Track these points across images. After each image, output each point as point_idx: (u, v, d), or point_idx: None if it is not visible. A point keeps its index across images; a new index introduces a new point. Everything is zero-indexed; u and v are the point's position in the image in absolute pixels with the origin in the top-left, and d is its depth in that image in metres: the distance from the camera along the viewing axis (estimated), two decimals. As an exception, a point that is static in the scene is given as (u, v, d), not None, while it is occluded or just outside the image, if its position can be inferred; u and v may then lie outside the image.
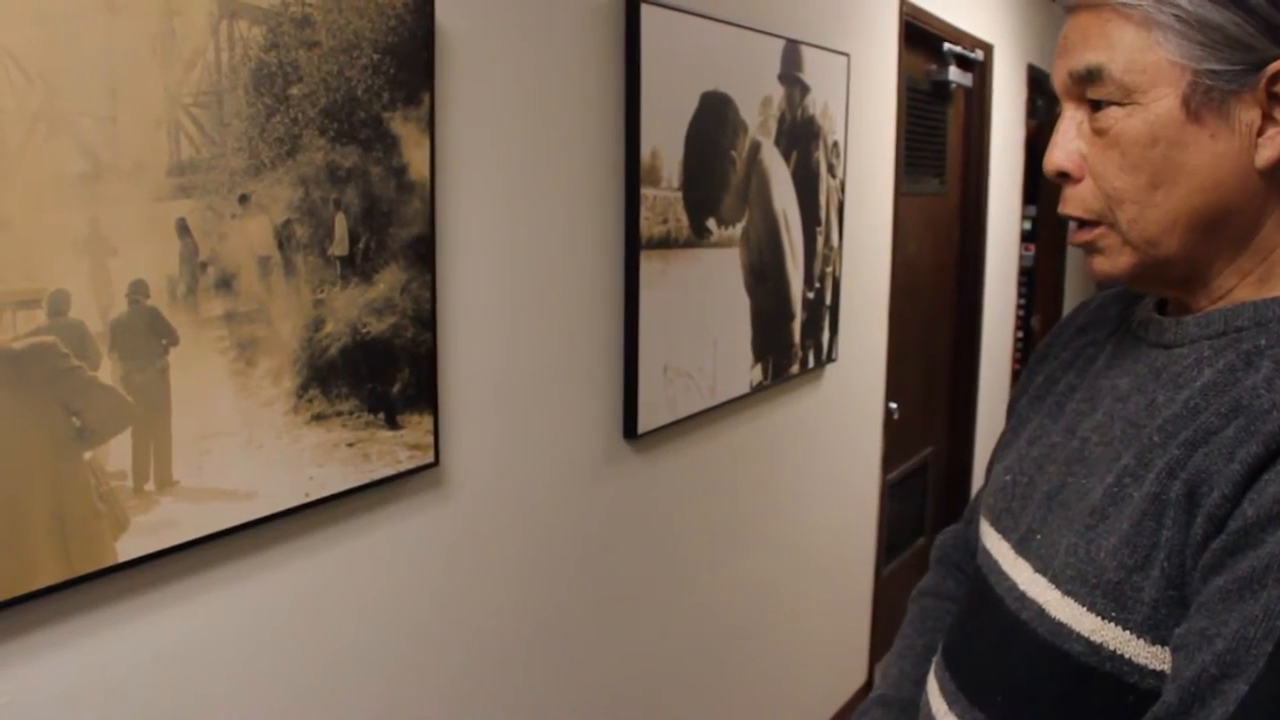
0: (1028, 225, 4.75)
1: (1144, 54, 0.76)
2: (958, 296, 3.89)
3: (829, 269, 2.55)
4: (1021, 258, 4.63)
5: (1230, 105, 0.75)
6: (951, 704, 0.89)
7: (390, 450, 1.34)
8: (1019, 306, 4.71)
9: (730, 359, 2.13)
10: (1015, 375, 4.58)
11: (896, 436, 3.27)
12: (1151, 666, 0.73)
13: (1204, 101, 0.75)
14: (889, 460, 3.20)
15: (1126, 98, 0.77)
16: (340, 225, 1.25)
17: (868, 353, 2.95)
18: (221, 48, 1.10)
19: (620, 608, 1.92)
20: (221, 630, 1.20)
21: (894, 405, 3.15)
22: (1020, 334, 4.78)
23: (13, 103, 0.92)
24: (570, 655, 1.79)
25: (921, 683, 1.02)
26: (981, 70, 3.73)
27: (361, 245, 1.28)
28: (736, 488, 2.29)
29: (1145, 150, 0.77)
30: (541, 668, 1.72)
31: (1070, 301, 5.55)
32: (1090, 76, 0.78)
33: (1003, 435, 1.04)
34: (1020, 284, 4.68)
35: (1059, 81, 0.82)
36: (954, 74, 3.38)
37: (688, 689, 2.18)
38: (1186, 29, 0.74)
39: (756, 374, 2.24)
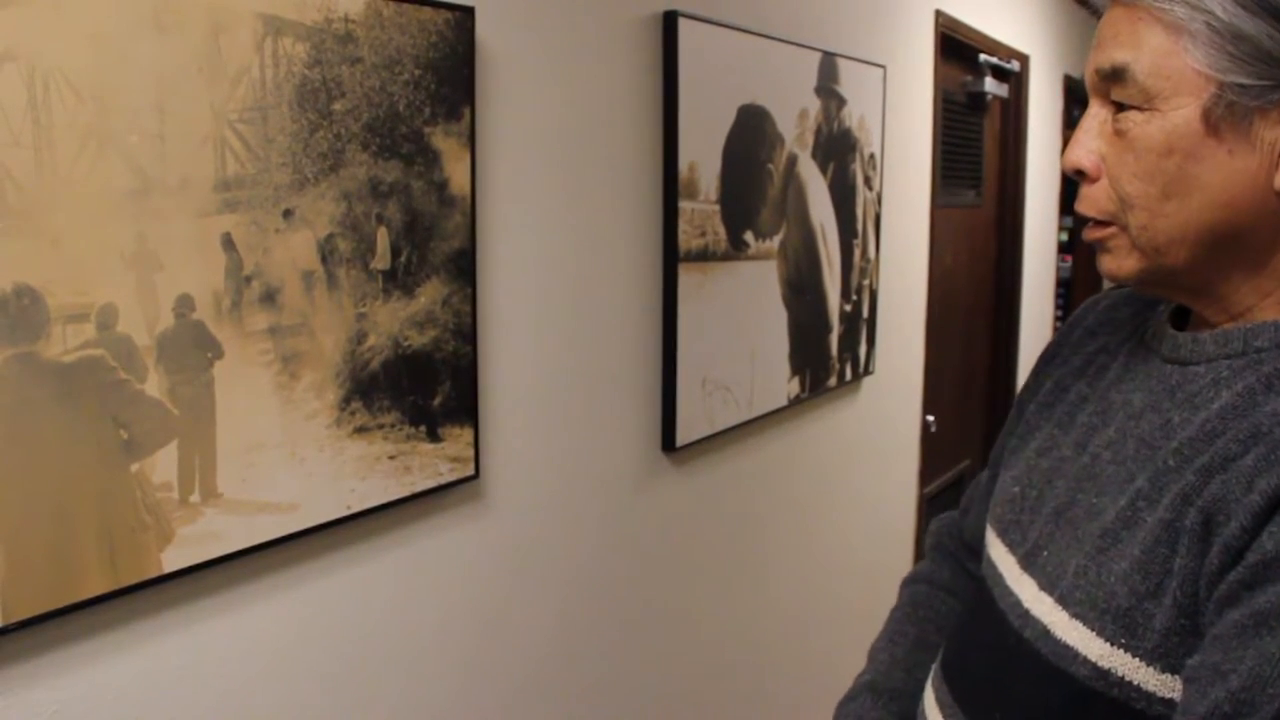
0: (1064, 236, 4.71)
1: (1169, 59, 0.73)
2: (995, 308, 3.86)
3: (866, 281, 2.54)
4: (1059, 269, 4.59)
5: (1253, 122, 0.71)
6: (948, 717, 0.88)
7: (431, 463, 1.35)
8: (1056, 318, 4.66)
9: (768, 372, 2.13)
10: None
11: (934, 449, 3.24)
12: (1161, 694, 0.71)
13: (1225, 115, 0.72)
14: (926, 473, 3.17)
15: (1147, 103, 0.74)
16: (382, 239, 1.26)
17: (905, 365, 2.94)
18: (266, 65, 1.11)
19: (659, 620, 1.91)
20: (264, 641, 1.20)
21: (931, 418, 3.12)
22: (1058, 346, 4.73)
23: (64, 120, 0.94)
24: (609, 667, 1.79)
25: (911, 671, 1.02)
26: (1017, 81, 3.70)
27: (403, 259, 1.28)
28: (773, 500, 2.28)
29: (1159, 159, 0.74)
30: (580, 679, 1.72)
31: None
32: (1115, 75, 0.76)
33: (1007, 423, 1.03)
34: (1057, 295, 4.64)
35: (1088, 76, 0.80)
36: (990, 85, 3.36)
37: (723, 702, 2.17)
38: (1216, 38, 0.71)
39: (794, 387, 2.23)
